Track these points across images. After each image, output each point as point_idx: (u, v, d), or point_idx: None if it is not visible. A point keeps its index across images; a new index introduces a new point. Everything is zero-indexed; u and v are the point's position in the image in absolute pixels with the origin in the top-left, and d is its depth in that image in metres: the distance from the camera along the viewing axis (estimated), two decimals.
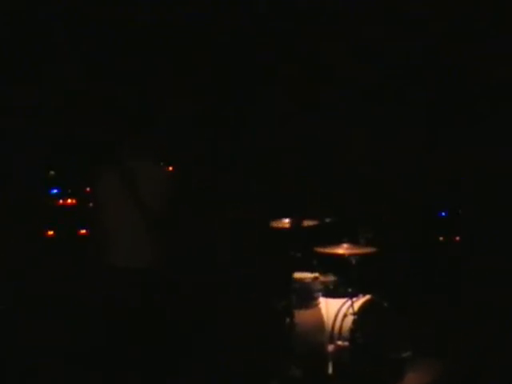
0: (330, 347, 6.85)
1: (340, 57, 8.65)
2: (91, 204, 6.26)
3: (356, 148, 8.76)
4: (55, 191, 9.52)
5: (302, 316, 6.78)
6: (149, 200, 5.53)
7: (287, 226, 6.80)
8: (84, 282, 7.12)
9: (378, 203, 8.59)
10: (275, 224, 6.88)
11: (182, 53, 8.61)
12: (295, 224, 6.71)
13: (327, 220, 7.12)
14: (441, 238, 9.65)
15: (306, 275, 6.93)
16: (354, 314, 6.86)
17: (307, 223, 6.89)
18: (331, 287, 7.11)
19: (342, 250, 6.98)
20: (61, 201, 9.46)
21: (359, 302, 7.03)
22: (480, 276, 8.58)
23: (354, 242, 7.04)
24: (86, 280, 6.81)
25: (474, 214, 9.16)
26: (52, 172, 9.48)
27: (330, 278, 7.16)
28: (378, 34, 8.78)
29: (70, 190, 9.45)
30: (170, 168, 7.27)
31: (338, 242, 6.97)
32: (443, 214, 9.73)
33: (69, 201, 9.44)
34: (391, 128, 8.85)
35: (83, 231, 8.97)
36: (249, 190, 8.47)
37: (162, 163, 6.29)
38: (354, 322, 6.86)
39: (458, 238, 9.50)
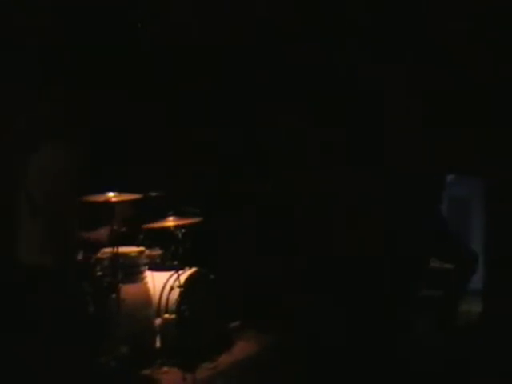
0: (158, 321, 6.80)
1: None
2: None
3: None
4: None
5: (128, 291, 6.77)
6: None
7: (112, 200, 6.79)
8: None
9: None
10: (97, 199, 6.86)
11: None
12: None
13: (152, 194, 7.07)
14: None
15: (132, 249, 6.93)
16: (181, 286, 6.77)
17: (132, 197, 6.87)
18: (158, 261, 7.06)
19: (168, 223, 6.92)
20: None
21: (185, 274, 6.92)
22: None
23: (179, 214, 6.96)
24: None
25: None
26: None
27: (157, 251, 7.11)
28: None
29: None
30: None
31: (163, 216, 6.92)
32: None
33: None
34: None
35: None
36: None
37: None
38: (181, 294, 6.76)
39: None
